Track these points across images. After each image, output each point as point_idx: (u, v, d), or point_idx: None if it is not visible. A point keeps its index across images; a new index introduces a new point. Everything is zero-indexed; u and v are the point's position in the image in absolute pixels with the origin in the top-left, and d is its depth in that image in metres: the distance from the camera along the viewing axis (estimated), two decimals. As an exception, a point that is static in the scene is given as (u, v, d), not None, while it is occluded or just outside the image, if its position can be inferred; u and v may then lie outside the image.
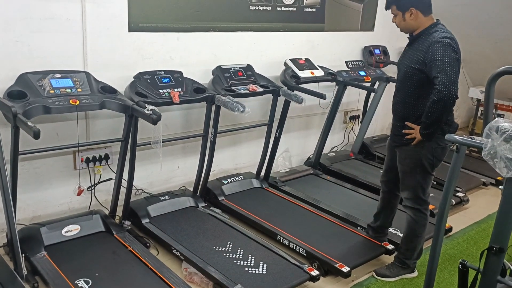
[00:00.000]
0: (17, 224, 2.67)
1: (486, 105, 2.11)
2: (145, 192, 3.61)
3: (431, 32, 2.62)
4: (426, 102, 2.61)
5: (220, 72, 3.51)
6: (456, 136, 2.00)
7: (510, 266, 2.05)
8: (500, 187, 4.36)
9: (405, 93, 2.74)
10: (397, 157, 2.87)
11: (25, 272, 2.59)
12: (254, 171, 4.07)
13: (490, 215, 3.91)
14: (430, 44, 2.55)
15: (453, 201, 3.87)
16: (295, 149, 4.69)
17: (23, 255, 2.62)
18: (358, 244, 3.14)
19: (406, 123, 2.74)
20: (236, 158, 4.23)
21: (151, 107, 2.76)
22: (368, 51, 4.84)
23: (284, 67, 3.99)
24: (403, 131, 2.74)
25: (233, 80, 3.49)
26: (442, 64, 2.47)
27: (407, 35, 2.79)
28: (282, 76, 3.90)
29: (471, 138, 1.99)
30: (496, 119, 1.79)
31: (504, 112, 5.65)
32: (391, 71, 5.09)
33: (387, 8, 2.78)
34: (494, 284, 2.00)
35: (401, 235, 3.29)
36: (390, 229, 3.38)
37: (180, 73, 3.27)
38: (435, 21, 2.69)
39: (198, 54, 3.61)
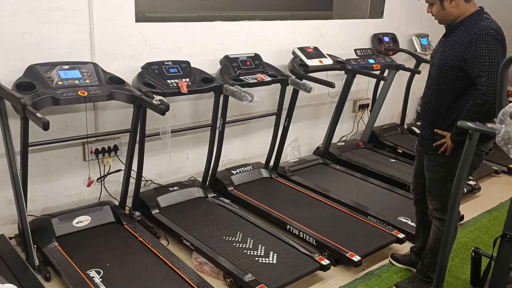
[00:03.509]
0: (28, 215, 2.69)
1: (500, 91, 2.05)
2: (154, 183, 3.61)
3: (474, 22, 2.27)
4: (462, 105, 2.31)
5: (227, 62, 3.48)
6: (468, 123, 1.96)
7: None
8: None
9: (438, 93, 2.39)
10: (424, 162, 2.55)
11: (37, 262, 2.62)
12: (263, 161, 4.06)
13: (502, 203, 3.87)
14: (473, 37, 2.21)
15: (465, 189, 3.83)
16: (304, 139, 4.66)
17: (35, 246, 2.64)
18: (369, 233, 3.12)
19: (435, 130, 2.42)
20: (245, 148, 4.22)
21: (159, 97, 2.75)
22: (377, 38, 4.79)
23: (292, 56, 3.96)
24: (434, 144, 2.42)
25: (241, 69, 3.47)
26: (487, 62, 2.15)
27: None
28: (290, 65, 3.87)
29: (484, 125, 1.96)
30: (510, 104, 1.75)
31: (516, 99, 5.57)
32: (401, 58, 5.04)
33: None
34: (507, 272, 1.98)
35: (412, 224, 3.28)
36: (400, 218, 3.36)
37: (187, 63, 3.25)
38: (479, 8, 2.33)
39: (205, 43, 3.59)
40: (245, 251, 2.83)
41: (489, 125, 1.96)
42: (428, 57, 5.05)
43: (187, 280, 2.52)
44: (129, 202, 3.26)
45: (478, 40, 2.20)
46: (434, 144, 2.44)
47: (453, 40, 2.33)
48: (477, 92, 2.20)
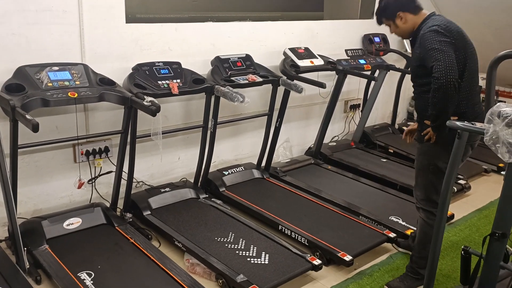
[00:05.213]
0: (18, 217, 2.67)
1: (488, 90, 2.08)
2: (145, 184, 3.60)
3: (421, 27, 2.56)
4: None
5: (219, 63, 3.48)
6: (457, 122, 1.98)
7: (513, 252, 2.05)
8: (502, 172, 4.35)
9: (418, 90, 2.66)
10: None
11: (27, 265, 2.59)
12: (255, 162, 4.06)
13: (492, 202, 3.90)
14: (420, 38, 2.50)
15: (455, 188, 3.86)
16: (295, 139, 4.67)
17: (25, 248, 2.62)
18: (360, 233, 3.13)
19: (425, 121, 2.59)
20: (237, 149, 4.22)
21: (150, 98, 2.75)
22: (367, 39, 4.81)
23: (283, 57, 3.96)
24: (422, 133, 2.62)
25: (232, 70, 3.47)
26: (434, 52, 2.38)
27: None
28: (281, 66, 3.88)
29: (472, 124, 1.97)
30: (498, 104, 1.77)
31: (505, 98, 5.61)
32: (391, 59, 5.07)
33: (379, 23, 2.76)
34: (496, 270, 2.00)
35: (403, 223, 3.31)
36: (392, 217, 3.38)
37: (178, 64, 3.24)
38: (428, 14, 2.61)
39: (196, 44, 3.59)
40: (237, 251, 2.83)
41: (478, 124, 1.98)
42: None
43: (179, 281, 2.51)
44: (120, 203, 3.25)
45: (423, 38, 2.48)
46: (422, 133, 2.62)
47: (415, 46, 2.63)
48: (432, 79, 2.41)
